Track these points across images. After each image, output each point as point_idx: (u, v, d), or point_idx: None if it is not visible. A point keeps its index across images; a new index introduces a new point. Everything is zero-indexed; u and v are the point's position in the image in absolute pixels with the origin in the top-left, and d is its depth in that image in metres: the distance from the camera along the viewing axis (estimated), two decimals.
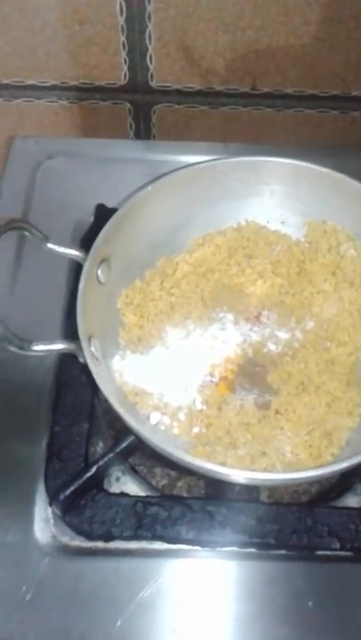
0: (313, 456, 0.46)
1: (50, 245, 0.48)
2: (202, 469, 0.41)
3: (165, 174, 0.52)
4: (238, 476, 0.41)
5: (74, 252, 0.48)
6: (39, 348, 0.44)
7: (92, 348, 0.45)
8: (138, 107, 0.70)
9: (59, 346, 0.45)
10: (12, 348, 0.44)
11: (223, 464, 0.44)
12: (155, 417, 0.49)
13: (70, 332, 0.46)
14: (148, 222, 0.53)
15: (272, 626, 0.44)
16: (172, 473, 0.51)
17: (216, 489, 0.50)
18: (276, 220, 0.57)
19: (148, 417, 0.49)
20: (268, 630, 0.44)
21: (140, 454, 0.52)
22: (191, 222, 0.55)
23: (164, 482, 0.51)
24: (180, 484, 0.51)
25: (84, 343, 0.44)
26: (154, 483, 0.51)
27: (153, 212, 0.52)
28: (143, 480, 0.51)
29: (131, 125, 0.72)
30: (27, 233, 0.47)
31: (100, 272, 0.49)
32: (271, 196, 0.55)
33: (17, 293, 0.57)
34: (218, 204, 0.55)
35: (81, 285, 0.46)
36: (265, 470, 0.45)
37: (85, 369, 0.44)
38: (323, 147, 0.70)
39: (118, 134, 0.72)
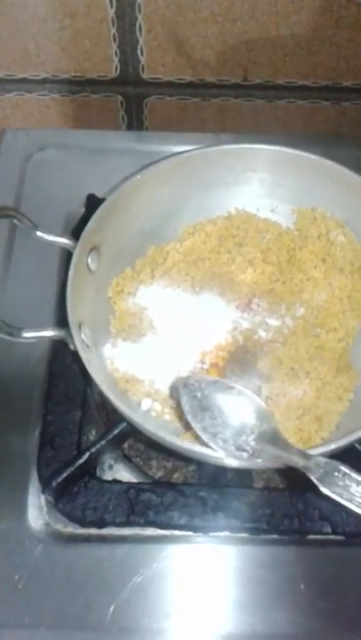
0: (303, 440, 0.46)
1: (39, 234, 0.48)
2: (192, 453, 0.42)
3: (154, 162, 0.52)
4: (228, 458, 0.41)
5: (63, 240, 0.48)
6: (29, 334, 0.45)
7: (83, 336, 0.46)
8: (130, 99, 0.70)
9: (49, 333, 0.46)
10: (2, 335, 0.44)
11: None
12: (146, 403, 0.49)
13: (61, 320, 0.46)
14: (138, 210, 0.53)
15: (265, 609, 0.45)
16: (168, 465, 0.52)
17: (209, 476, 0.50)
18: (265, 208, 0.57)
19: (140, 403, 0.49)
20: (260, 614, 0.44)
21: (136, 446, 0.52)
22: (181, 211, 0.55)
23: (160, 474, 0.51)
24: (176, 475, 0.51)
25: (74, 330, 0.44)
26: (150, 474, 0.51)
27: (143, 200, 0.52)
28: (136, 467, 0.51)
29: (123, 118, 0.72)
30: (16, 221, 0.47)
31: (90, 260, 0.49)
32: (260, 184, 0.56)
33: (8, 282, 0.57)
34: (208, 192, 0.55)
35: (70, 273, 0.46)
36: None
37: (76, 356, 0.45)
38: (314, 136, 0.71)
39: (111, 127, 0.72)
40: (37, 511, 0.48)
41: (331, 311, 0.52)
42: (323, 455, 0.40)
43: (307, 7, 0.61)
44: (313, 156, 0.52)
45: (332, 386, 0.49)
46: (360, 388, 0.49)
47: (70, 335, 0.44)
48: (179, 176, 0.54)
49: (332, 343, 0.51)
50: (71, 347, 0.45)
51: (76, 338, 0.44)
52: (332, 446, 0.40)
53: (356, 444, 0.45)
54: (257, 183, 0.56)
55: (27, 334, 0.45)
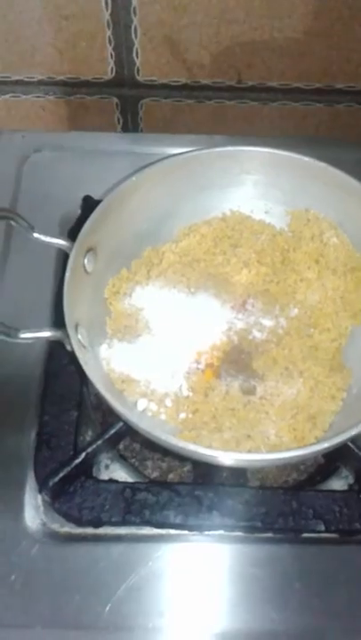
0: (297, 439, 0.47)
1: (36, 235, 0.48)
2: (188, 452, 0.42)
3: (150, 164, 0.53)
4: (223, 457, 0.42)
5: (60, 242, 0.49)
6: (26, 335, 0.45)
7: (79, 336, 0.46)
8: (125, 101, 0.70)
9: (46, 333, 0.46)
10: (0, 336, 0.44)
11: (209, 447, 0.45)
12: (142, 403, 0.49)
13: (58, 321, 0.46)
14: (134, 212, 0.53)
15: (259, 607, 0.45)
16: (164, 465, 0.52)
17: (204, 476, 0.50)
18: (260, 209, 0.57)
19: (136, 404, 0.49)
20: (255, 612, 0.45)
21: (132, 446, 0.53)
22: (177, 212, 0.56)
23: (155, 474, 0.52)
24: (171, 475, 0.52)
25: (70, 331, 0.44)
26: (146, 474, 0.51)
27: (138, 202, 0.53)
28: (132, 467, 0.51)
29: (118, 120, 0.72)
30: (13, 223, 0.48)
31: (86, 261, 0.50)
32: (254, 186, 0.56)
33: (5, 283, 0.57)
34: (203, 193, 0.56)
35: (67, 274, 0.46)
36: (249, 452, 0.46)
37: (73, 357, 0.45)
38: (307, 138, 0.71)
39: (106, 129, 0.72)
40: (34, 511, 0.48)
41: (324, 311, 0.53)
42: (317, 454, 0.41)
43: (300, 10, 0.61)
44: (306, 158, 0.53)
45: (326, 385, 0.49)
46: (353, 388, 0.50)
47: (67, 336, 0.44)
48: (174, 178, 0.54)
49: (325, 343, 0.51)
50: (68, 347, 0.45)
51: (72, 338, 0.44)
52: (326, 445, 0.41)
53: (350, 443, 0.46)
54: (251, 185, 0.56)
55: (24, 335, 0.45)
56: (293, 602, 0.45)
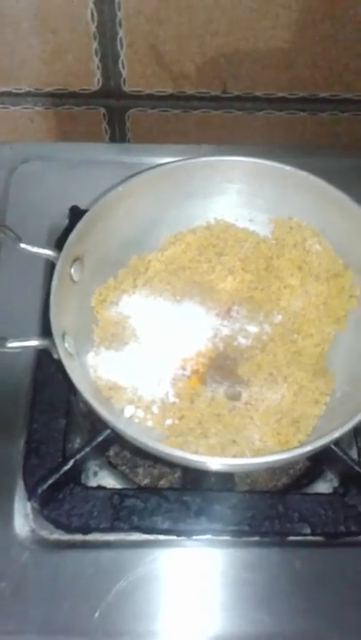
0: (281, 443, 0.47)
1: (22, 246, 0.49)
2: (175, 458, 0.42)
3: (136, 174, 0.53)
4: (209, 462, 0.42)
5: (47, 252, 0.49)
6: (14, 344, 0.45)
7: (66, 344, 0.46)
8: (112, 112, 0.71)
9: (33, 342, 0.46)
10: None
11: (195, 453, 0.45)
12: (129, 410, 0.49)
13: (45, 330, 0.47)
14: (120, 221, 0.53)
15: (249, 611, 0.45)
16: (155, 472, 0.52)
17: (193, 481, 0.51)
18: (244, 218, 0.58)
19: (123, 410, 0.50)
20: (245, 615, 0.45)
21: (122, 454, 0.53)
22: (162, 221, 0.56)
23: (146, 481, 0.52)
24: (162, 482, 0.52)
25: (57, 339, 0.45)
26: (136, 481, 0.52)
27: (125, 212, 0.53)
28: (120, 474, 0.52)
29: (106, 130, 0.73)
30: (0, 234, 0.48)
31: (73, 271, 0.50)
32: (238, 195, 0.57)
33: None
34: (188, 202, 0.56)
35: (54, 283, 0.47)
36: (234, 457, 0.46)
37: (60, 365, 0.45)
38: (291, 147, 0.72)
39: (94, 139, 0.73)
40: (23, 519, 0.48)
41: (307, 317, 0.53)
42: (300, 457, 0.41)
43: (283, 22, 0.62)
44: (288, 167, 0.53)
45: (309, 390, 0.50)
46: (336, 392, 0.51)
47: (54, 344, 0.45)
48: (159, 187, 0.54)
49: (308, 348, 0.52)
50: (55, 356, 0.46)
51: (59, 347, 0.45)
52: (309, 448, 0.41)
53: (334, 447, 0.47)
54: (234, 194, 0.57)
55: (11, 344, 0.45)
56: (284, 604, 0.45)
